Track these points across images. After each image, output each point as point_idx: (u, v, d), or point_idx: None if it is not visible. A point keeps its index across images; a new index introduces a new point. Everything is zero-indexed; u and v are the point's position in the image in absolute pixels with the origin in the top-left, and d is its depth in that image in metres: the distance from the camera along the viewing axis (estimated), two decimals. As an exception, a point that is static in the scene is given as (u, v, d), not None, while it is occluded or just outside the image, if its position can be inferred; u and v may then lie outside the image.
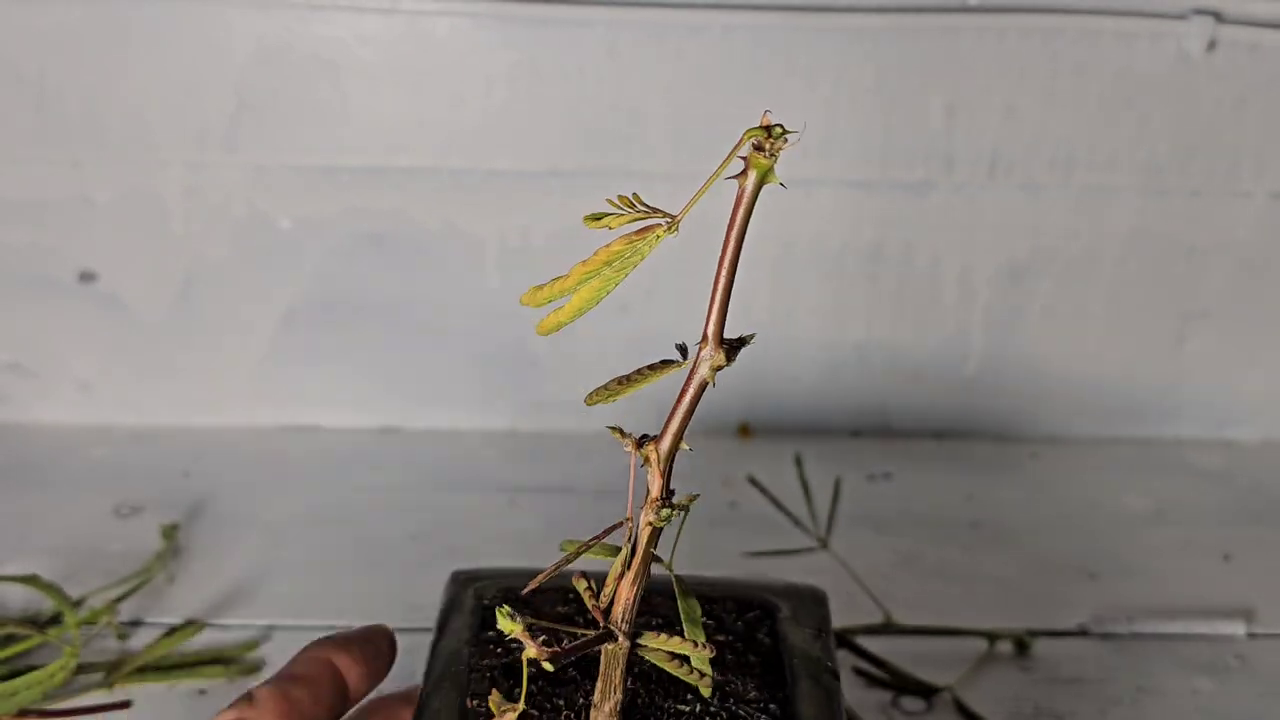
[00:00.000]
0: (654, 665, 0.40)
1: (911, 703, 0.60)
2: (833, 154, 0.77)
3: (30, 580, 0.59)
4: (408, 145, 0.76)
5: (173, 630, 0.61)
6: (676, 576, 0.39)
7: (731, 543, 0.68)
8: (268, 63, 0.73)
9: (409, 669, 0.60)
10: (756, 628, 0.47)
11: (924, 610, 0.66)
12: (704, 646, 0.38)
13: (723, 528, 0.71)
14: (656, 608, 0.45)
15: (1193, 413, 0.87)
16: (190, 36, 0.73)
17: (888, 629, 0.64)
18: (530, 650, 0.34)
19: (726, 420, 0.85)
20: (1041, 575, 0.71)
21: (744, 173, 0.33)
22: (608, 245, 0.34)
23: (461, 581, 0.50)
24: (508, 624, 0.34)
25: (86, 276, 0.79)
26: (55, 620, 0.61)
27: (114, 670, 0.58)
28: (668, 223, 0.33)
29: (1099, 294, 0.83)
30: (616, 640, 0.38)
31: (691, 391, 0.36)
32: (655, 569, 0.39)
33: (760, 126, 0.32)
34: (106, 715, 0.56)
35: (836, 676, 0.44)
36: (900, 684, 0.61)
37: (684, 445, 0.36)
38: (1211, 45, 0.75)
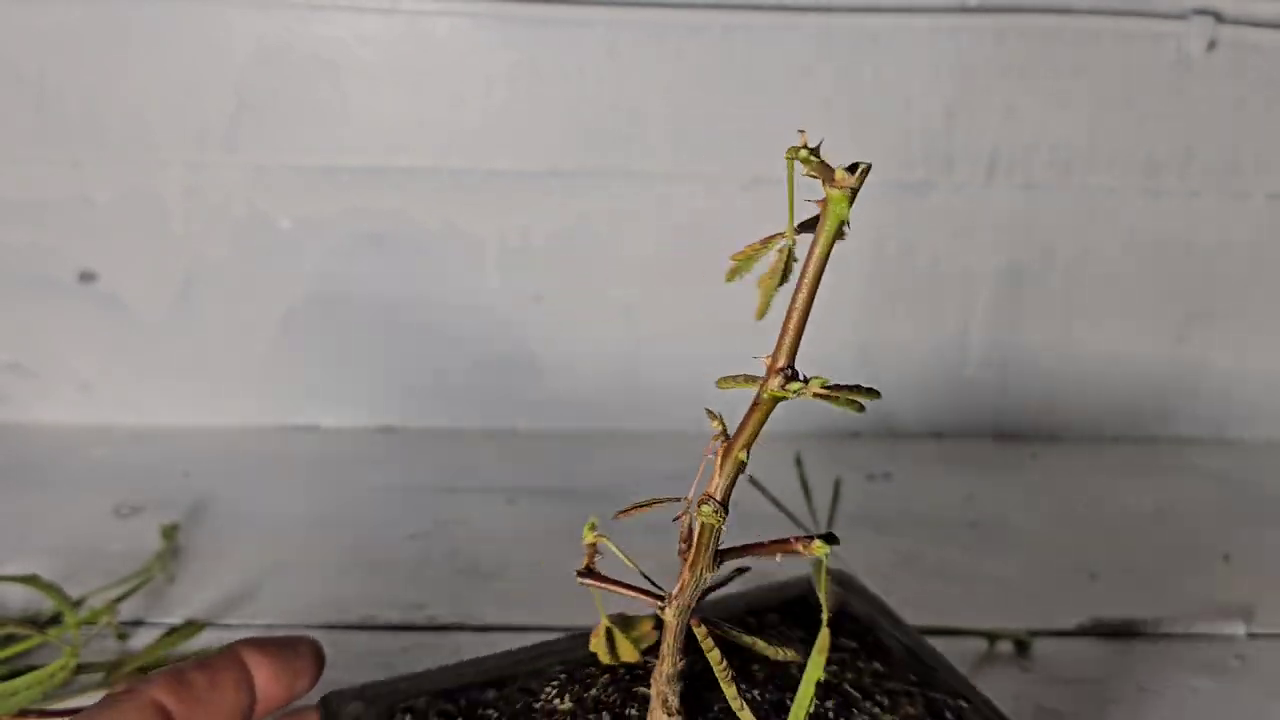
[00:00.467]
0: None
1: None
2: (832, 154, 0.77)
3: (30, 580, 0.59)
4: (408, 145, 0.76)
5: (173, 630, 0.60)
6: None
7: (732, 542, 0.68)
8: (268, 63, 0.73)
9: (409, 668, 0.60)
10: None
11: (924, 610, 0.66)
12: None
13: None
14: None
15: (1193, 413, 0.87)
16: (190, 36, 0.73)
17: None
18: None
19: (726, 420, 0.85)
20: (1041, 575, 0.71)
21: (821, 214, 0.33)
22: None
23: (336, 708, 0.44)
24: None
25: (86, 276, 0.79)
26: (55, 620, 0.61)
27: (114, 670, 0.58)
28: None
29: (1099, 294, 0.83)
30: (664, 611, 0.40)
31: (759, 413, 0.36)
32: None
33: (803, 146, 0.32)
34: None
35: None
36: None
37: (740, 455, 0.37)
38: (1211, 45, 0.75)
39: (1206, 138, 0.78)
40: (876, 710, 0.44)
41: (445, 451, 0.82)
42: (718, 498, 0.37)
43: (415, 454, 0.81)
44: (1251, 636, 0.66)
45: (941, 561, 0.72)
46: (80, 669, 0.57)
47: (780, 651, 0.42)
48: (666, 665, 0.41)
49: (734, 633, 0.42)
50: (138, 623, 0.63)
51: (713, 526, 0.38)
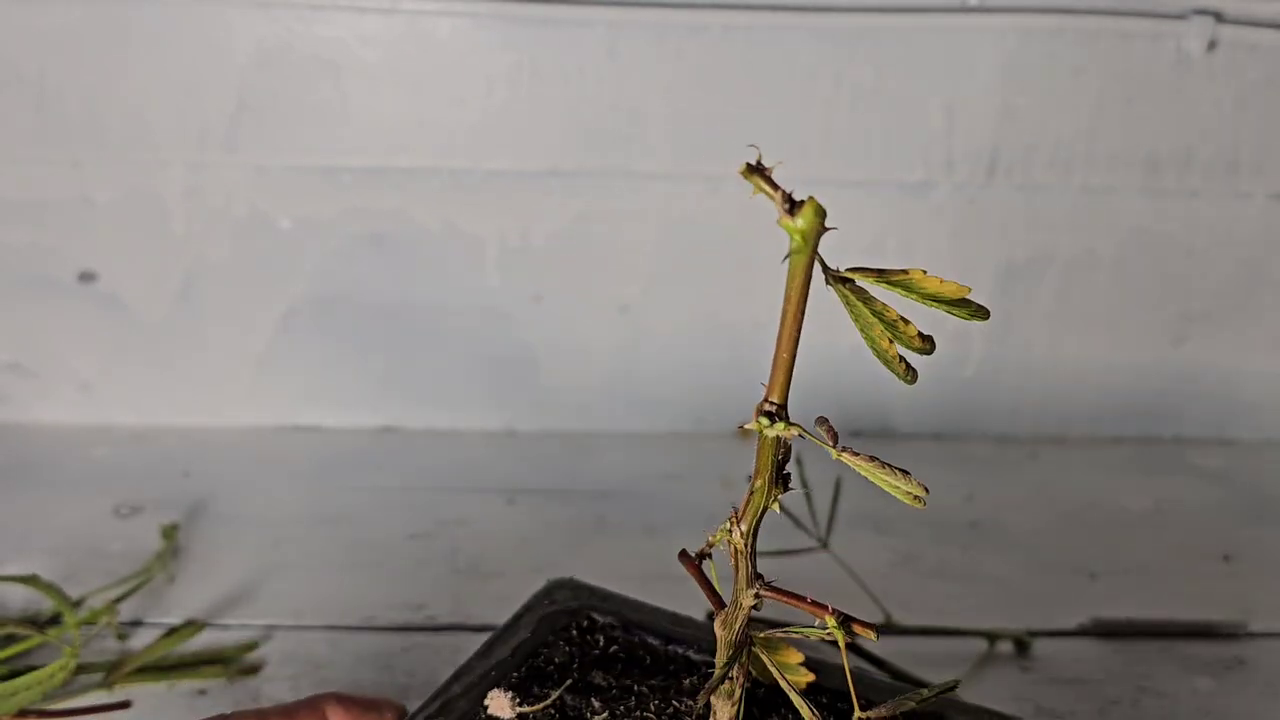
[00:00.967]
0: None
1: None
2: (833, 154, 0.77)
3: (30, 580, 0.59)
4: (408, 145, 0.76)
5: (172, 630, 0.60)
6: None
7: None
8: (268, 63, 0.73)
9: (408, 668, 0.60)
10: None
11: (924, 610, 0.66)
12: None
13: (723, 528, 0.71)
14: None
15: (1193, 413, 0.87)
16: (190, 37, 0.73)
17: (888, 629, 0.64)
18: None
19: (726, 420, 0.85)
20: (1041, 575, 0.71)
21: (791, 251, 0.31)
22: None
23: None
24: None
25: (86, 276, 0.79)
26: (55, 620, 0.61)
27: (114, 670, 0.58)
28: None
29: (1099, 294, 0.83)
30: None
31: (764, 450, 0.36)
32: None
33: (753, 165, 0.31)
34: (106, 716, 0.56)
35: None
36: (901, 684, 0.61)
37: (759, 483, 0.36)
38: (1212, 45, 0.75)
39: (1206, 138, 0.78)
40: None
41: (445, 451, 0.82)
42: (743, 527, 0.37)
43: (415, 454, 0.81)
44: (1251, 636, 0.66)
45: (941, 561, 0.72)
46: (80, 669, 0.57)
47: None
48: (720, 694, 0.41)
49: (782, 681, 0.41)
50: (138, 623, 0.63)
51: (738, 549, 0.37)
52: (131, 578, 0.65)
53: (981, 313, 0.32)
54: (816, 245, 0.30)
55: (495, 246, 0.79)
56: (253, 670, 0.60)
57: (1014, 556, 0.72)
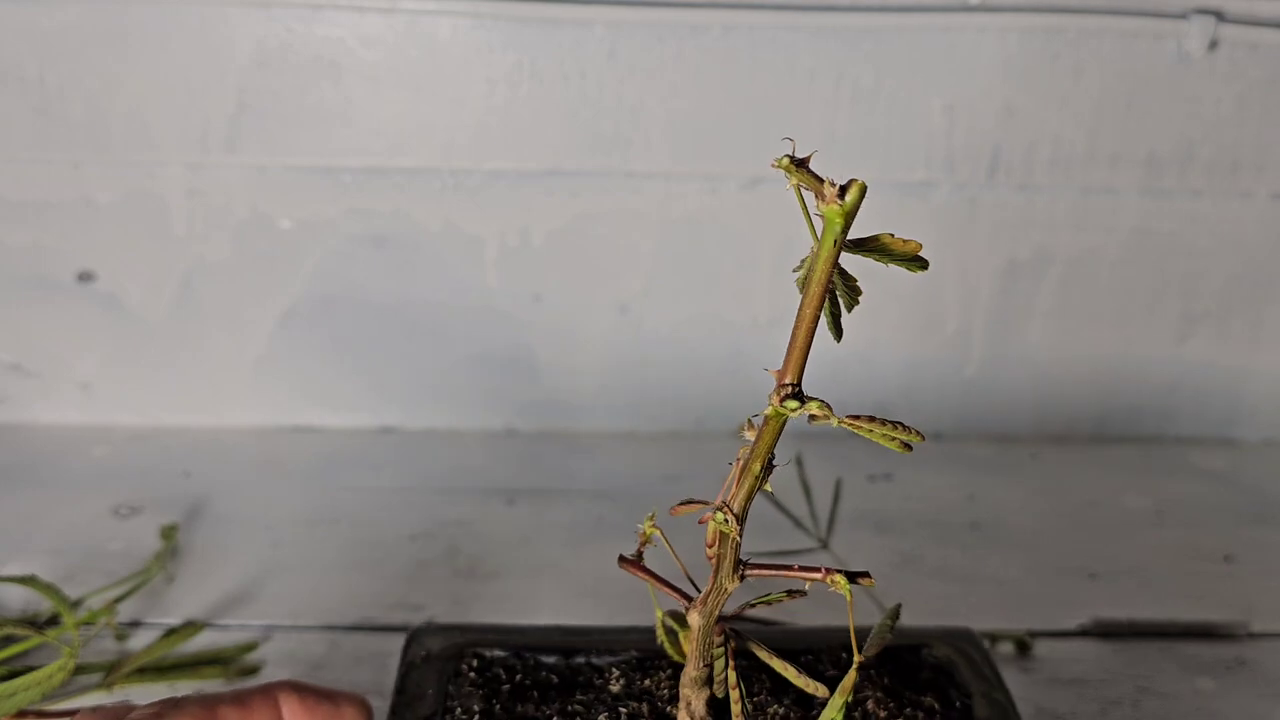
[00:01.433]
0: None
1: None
2: (833, 154, 0.77)
3: (29, 581, 0.59)
4: (408, 146, 0.76)
5: (172, 631, 0.60)
6: None
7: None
8: (269, 64, 0.73)
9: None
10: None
11: (924, 611, 0.66)
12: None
13: (723, 528, 0.71)
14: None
15: (1193, 413, 0.87)
16: (191, 37, 0.73)
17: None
18: None
19: (726, 420, 0.85)
20: (1041, 575, 0.71)
21: (821, 232, 0.32)
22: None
23: None
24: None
25: (86, 276, 0.79)
26: (54, 621, 0.61)
27: (113, 671, 0.58)
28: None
29: (1099, 294, 0.83)
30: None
31: (769, 429, 0.36)
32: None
33: (789, 156, 0.31)
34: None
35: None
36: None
37: (755, 468, 0.37)
38: (1212, 45, 0.75)
39: (1207, 137, 0.78)
40: None
41: (445, 451, 0.82)
42: (734, 509, 0.37)
43: (415, 454, 0.81)
44: (1251, 636, 0.66)
45: (942, 562, 0.72)
46: (79, 670, 0.57)
47: (809, 683, 0.40)
48: (691, 668, 0.41)
49: (762, 651, 0.41)
50: (137, 623, 0.63)
51: (728, 535, 0.37)
52: (131, 578, 0.65)
53: (920, 263, 0.33)
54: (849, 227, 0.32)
55: (495, 246, 0.79)
56: (252, 671, 0.60)
57: (1014, 557, 0.72)
